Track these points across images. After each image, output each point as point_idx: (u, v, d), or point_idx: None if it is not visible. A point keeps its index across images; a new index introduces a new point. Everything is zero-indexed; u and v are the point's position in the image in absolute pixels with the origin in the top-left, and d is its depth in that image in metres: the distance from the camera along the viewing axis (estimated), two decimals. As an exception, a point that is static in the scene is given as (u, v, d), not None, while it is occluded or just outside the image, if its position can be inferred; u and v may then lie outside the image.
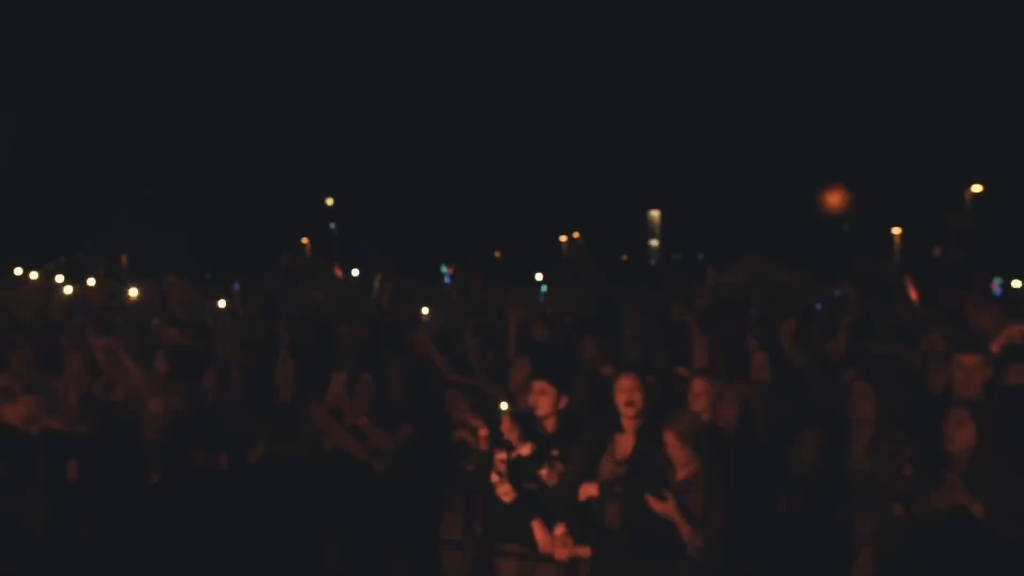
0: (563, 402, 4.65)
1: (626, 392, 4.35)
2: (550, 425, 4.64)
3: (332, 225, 42.00)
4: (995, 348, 4.92)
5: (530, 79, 40.04)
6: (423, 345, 6.02)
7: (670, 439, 4.17)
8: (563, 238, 40.27)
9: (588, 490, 4.39)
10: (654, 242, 44.36)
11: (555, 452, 4.55)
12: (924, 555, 3.77)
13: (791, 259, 28.52)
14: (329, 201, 41.58)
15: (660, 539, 4.09)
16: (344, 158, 39.16)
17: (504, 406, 4.65)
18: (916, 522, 3.90)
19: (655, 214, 44.01)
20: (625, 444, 4.38)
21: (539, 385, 4.68)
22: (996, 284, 11.16)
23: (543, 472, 4.54)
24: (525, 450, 4.61)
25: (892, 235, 31.98)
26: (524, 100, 40.21)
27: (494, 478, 4.58)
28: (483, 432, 4.82)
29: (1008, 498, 3.86)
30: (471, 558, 4.76)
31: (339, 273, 12.86)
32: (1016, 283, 11.14)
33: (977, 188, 29.84)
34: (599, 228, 40.35)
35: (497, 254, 40.78)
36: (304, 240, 39.72)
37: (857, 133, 33.81)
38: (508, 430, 4.58)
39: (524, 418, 4.67)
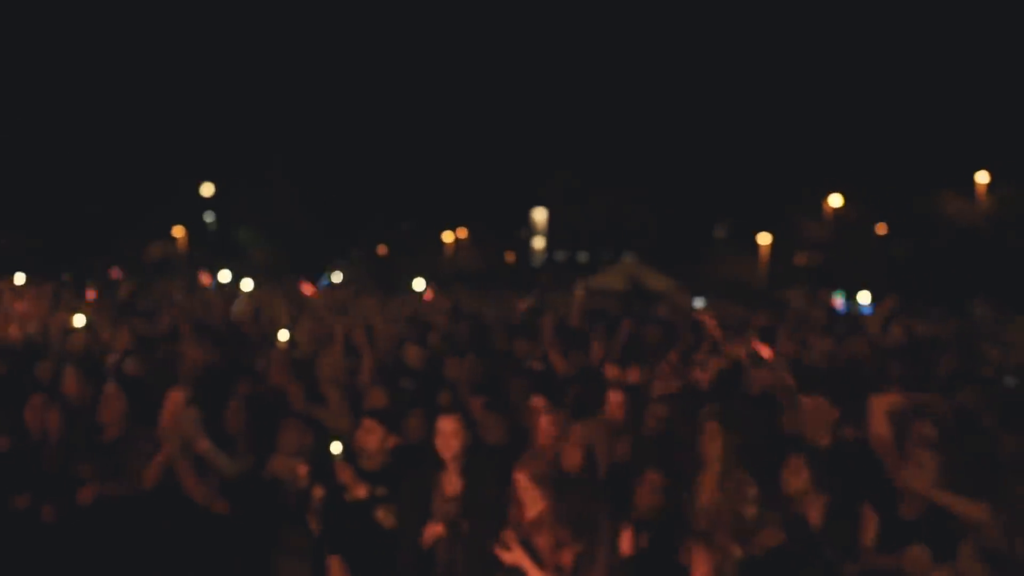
0: (391, 441, 4.58)
1: (445, 436, 4.33)
2: (374, 464, 4.56)
3: (209, 216, 40.35)
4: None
5: (413, 76, 39.63)
6: (277, 371, 5.75)
7: (521, 479, 4.14)
8: (448, 236, 40.07)
9: (434, 529, 4.30)
10: (538, 241, 44.80)
11: (379, 491, 4.48)
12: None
13: (666, 262, 29.55)
14: (206, 189, 39.81)
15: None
16: (223, 141, 37.44)
17: (336, 448, 4.51)
18: (750, 561, 4.00)
19: (539, 212, 44.42)
20: (453, 482, 4.34)
21: (367, 423, 4.63)
22: (840, 300, 11.58)
23: (380, 514, 4.45)
24: (360, 492, 4.51)
25: (758, 243, 33.45)
26: (407, 95, 39.72)
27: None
28: (302, 470, 4.66)
29: (836, 537, 4.05)
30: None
31: (206, 280, 12.19)
32: (864, 297, 11.64)
33: (836, 198, 31.63)
34: (484, 226, 40.44)
35: (382, 250, 40.21)
36: (177, 231, 38.00)
37: (731, 140, 35.19)
38: (341, 471, 4.49)
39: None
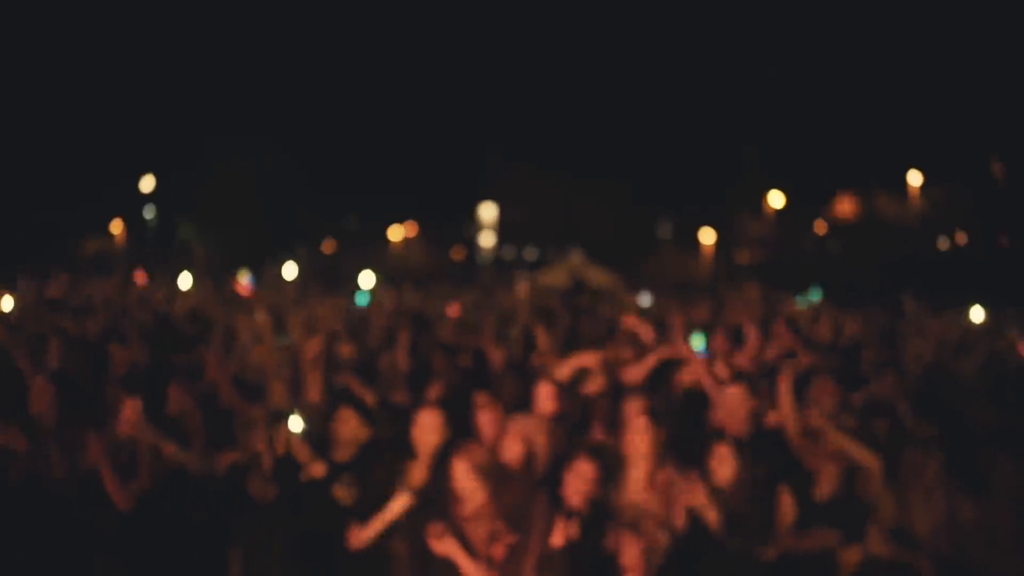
0: (364, 432, 4.66)
1: (422, 429, 4.41)
2: (345, 454, 4.63)
3: (148, 211, 39.46)
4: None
5: (362, 71, 39.25)
6: (214, 368, 5.69)
7: (459, 471, 4.20)
8: (394, 231, 39.87)
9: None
10: (486, 237, 44.85)
11: (348, 478, 4.53)
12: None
13: (612, 259, 29.90)
14: (146, 183, 38.90)
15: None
16: (163, 133, 36.50)
17: (294, 425, 4.53)
18: (674, 550, 4.14)
19: (487, 209, 44.48)
20: (419, 474, 4.40)
21: (343, 413, 4.71)
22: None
23: (338, 491, 4.49)
24: (318, 470, 4.54)
25: (700, 243, 34.10)
26: (355, 90, 39.34)
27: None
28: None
29: (762, 525, 4.20)
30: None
31: (141, 279, 11.94)
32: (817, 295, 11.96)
33: (777, 198, 32.40)
34: (433, 222, 40.35)
35: (329, 247, 39.81)
36: (115, 226, 37.07)
37: (676, 139, 35.71)
38: (297, 448, 4.54)
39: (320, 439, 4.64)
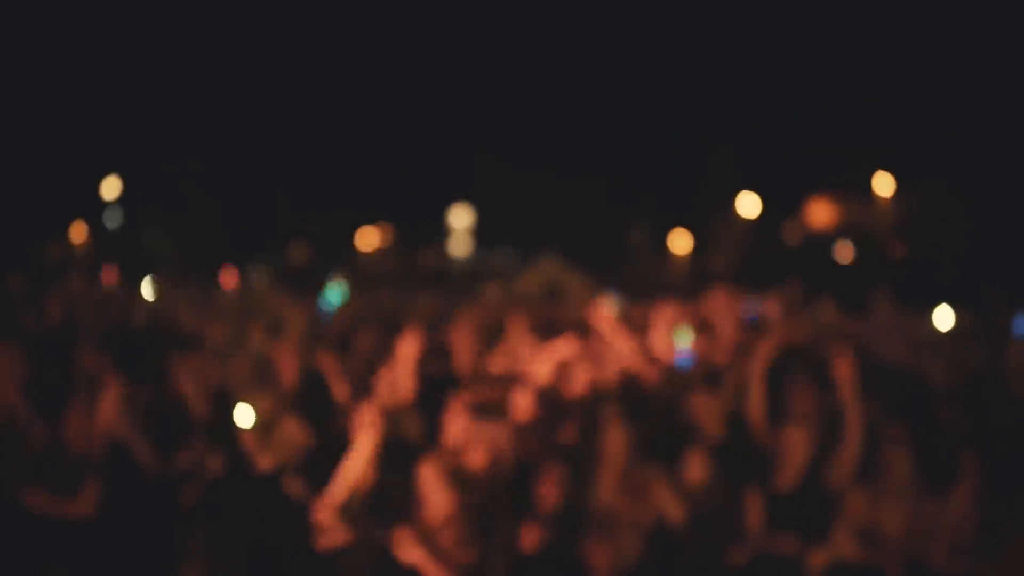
0: (311, 438, 4.64)
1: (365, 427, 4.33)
2: (296, 458, 4.66)
3: (112, 216, 38.88)
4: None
5: (331, 75, 39.01)
6: (176, 378, 5.57)
7: (427, 475, 4.14)
8: (366, 232, 39.71)
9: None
10: (459, 239, 44.82)
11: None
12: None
13: (586, 262, 30.02)
14: (110, 188, 38.33)
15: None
16: (128, 136, 35.91)
17: (242, 416, 4.48)
18: (645, 553, 4.12)
19: (460, 211, 44.46)
20: (365, 475, 4.34)
21: (285, 419, 4.72)
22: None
23: (289, 484, 4.53)
24: (265, 462, 4.62)
25: (673, 246, 34.41)
26: (324, 93, 39.11)
27: None
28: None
29: (731, 526, 4.21)
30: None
31: (105, 280, 11.73)
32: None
33: (750, 202, 32.80)
34: (403, 226, 40.25)
35: (300, 249, 39.55)
36: (77, 230, 36.45)
37: (642, 142, 35.99)
38: (245, 440, 4.61)
39: None
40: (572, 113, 37.84)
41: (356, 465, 4.32)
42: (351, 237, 39.61)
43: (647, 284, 23.55)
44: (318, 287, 14.37)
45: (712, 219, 33.10)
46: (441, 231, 44.20)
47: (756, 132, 32.82)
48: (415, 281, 26.16)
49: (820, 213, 32.73)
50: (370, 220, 40.06)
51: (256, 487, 4.58)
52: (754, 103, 33.57)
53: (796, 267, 28.78)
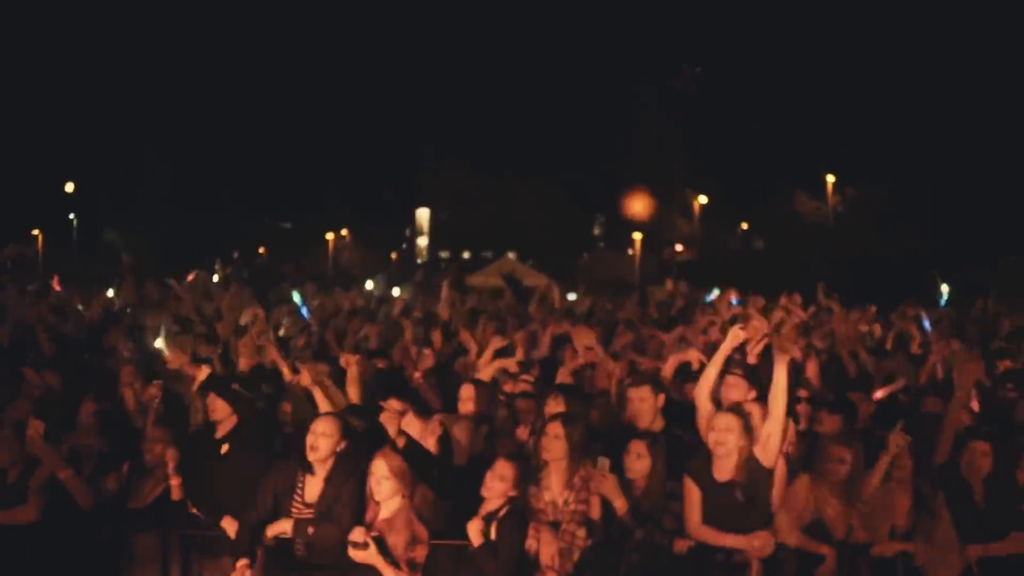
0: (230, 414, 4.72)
1: (314, 435, 4.31)
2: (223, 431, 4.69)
3: (72, 215, 38.17)
4: (665, 372, 5.47)
5: (295, 73, 38.69)
6: (124, 385, 5.56)
7: (377, 471, 4.20)
8: (330, 236, 39.44)
9: (282, 526, 4.30)
10: (422, 240, 44.80)
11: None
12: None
13: (546, 259, 30.18)
14: (69, 187, 37.59)
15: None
16: (88, 136, 35.19)
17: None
18: (592, 546, 4.22)
19: (423, 212, 44.43)
20: (314, 487, 4.33)
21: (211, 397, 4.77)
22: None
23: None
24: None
25: (634, 239, 34.70)
26: (288, 93, 38.77)
27: None
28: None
29: (672, 516, 4.32)
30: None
31: (56, 285, 11.59)
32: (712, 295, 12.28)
33: (703, 199, 33.29)
34: (367, 225, 40.02)
35: (262, 250, 39.15)
36: (36, 232, 35.74)
37: (607, 144, 36.28)
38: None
39: None
40: (530, 113, 38.02)
41: None
42: (316, 238, 39.31)
43: (605, 280, 23.80)
44: (279, 291, 14.32)
45: (667, 215, 33.47)
46: (406, 232, 44.11)
47: (710, 131, 33.26)
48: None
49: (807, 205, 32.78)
50: (335, 224, 39.79)
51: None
52: (710, 100, 34.03)
53: (747, 261, 29.27)
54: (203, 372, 4.63)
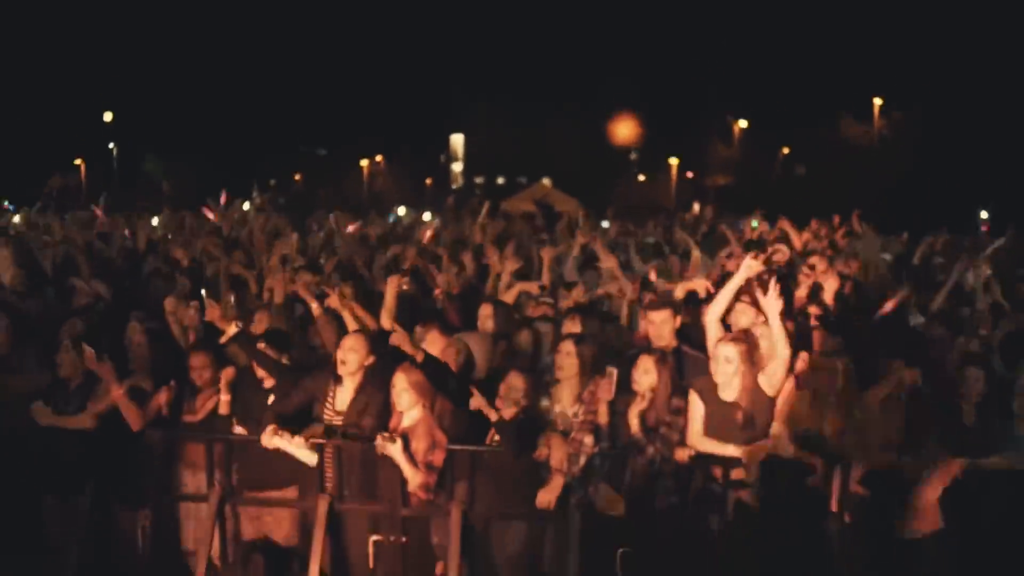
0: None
1: (343, 350, 4.67)
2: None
3: (111, 144, 38.74)
4: (678, 295, 5.66)
5: (327, 5, 38.16)
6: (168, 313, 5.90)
7: (398, 383, 4.52)
8: (364, 162, 39.58)
9: (314, 431, 4.65)
10: (457, 166, 44.71)
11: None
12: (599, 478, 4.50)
13: (581, 186, 30.05)
14: (108, 116, 38.06)
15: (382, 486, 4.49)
16: (126, 65, 35.36)
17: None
18: (600, 453, 4.52)
19: (457, 138, 44.21)
20: (344, 397, 4.70)
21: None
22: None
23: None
24: (229, 328, 4.91)
25: (670, 164, 34.26)
26: (324, 19, 38.37)
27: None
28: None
29: (676, 429, 4.58)
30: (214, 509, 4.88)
31: (99, 213, 11.98)
32: (753, 223, 12.26)
33: (743, 123, 32.59)
34: (401, 151, 40.01)
35: (297, 177, 39.48)
36: (78, 161, 36.42)
37: (644, 66, 35.49)
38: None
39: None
40: (563, 41, 37.22)
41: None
42: (351, 165, 39.48)
43: (640, 206, 23.69)
44: (315, 218, 14.65)
45: (707, 141, 32.89)
46: (441, 158, 43.97)
47: (751, 54, 32.31)
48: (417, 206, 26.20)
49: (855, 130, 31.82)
50: (370, 150, 39.83)
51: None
52: (749, 29, 32.98)
53: (788, 186, 28.80)
54: (232, 329, 4.87)
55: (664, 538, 4.34)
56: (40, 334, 5.41)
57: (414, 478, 4.42)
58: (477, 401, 4.64)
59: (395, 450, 4.40)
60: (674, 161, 33.73)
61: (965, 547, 4.31)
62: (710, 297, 5.42)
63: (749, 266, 4.76)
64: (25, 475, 4.96)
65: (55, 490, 4.90)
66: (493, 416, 4.61)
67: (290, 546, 4.85)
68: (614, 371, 4.49)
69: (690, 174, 34.31)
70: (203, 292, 5.49)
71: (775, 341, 4.38)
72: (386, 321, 5.43)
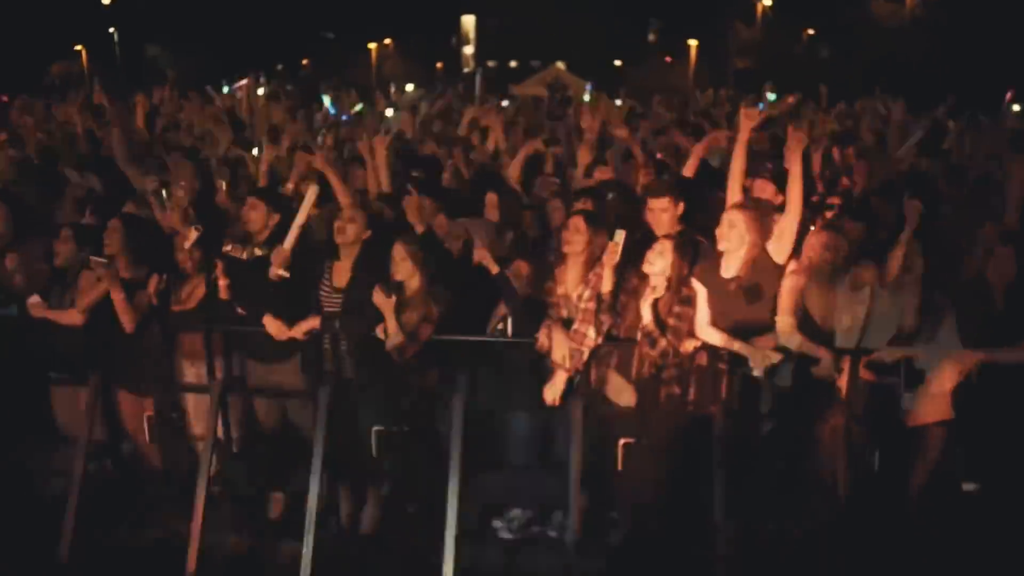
0: (274, 218, 4.80)
1: (341, 219, 4.61)
2: (261, 238, 4.81)
3: (112, 29, 37.68)
4: (687, 172, 5.44)
5: None
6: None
7: (397, 252, 4.45)
8: (372, 45, 38.41)
9: (311, 323, 4.58)
10: (468, 49, 43.35)
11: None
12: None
13: (597, 70, 29.07)
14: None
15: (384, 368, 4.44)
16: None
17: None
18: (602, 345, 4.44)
19: (468, 20, 42.66)
20: (342, 272, 4.62)
21: (250, 200, 4.83)
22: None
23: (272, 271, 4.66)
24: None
25: (689, 46, 32.99)
26: None
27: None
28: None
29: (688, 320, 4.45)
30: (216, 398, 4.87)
31: (101, 99, 11.62)
32: (770, 95, 11.84)
33: (767, 2, 31.13)
34: (411, 34, 38.77)
35: (305, 62, 38.47)
36: (79, 47, 35.54)
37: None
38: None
39: None
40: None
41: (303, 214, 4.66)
42: (359, 49, 38.33)
43: (658, 89, 22.92)
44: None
45: (728, 21, 31.51)
46: (452, 41, 42.56)
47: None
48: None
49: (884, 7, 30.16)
50: (378, 34, 38.58)
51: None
52: None
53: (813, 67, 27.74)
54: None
55: (667, 429, 4.29)
56: (42, 223, 5.29)
57: (395, 337, 4.36)
58: (480, 254, 4.52)
59: (387, 306, 4.33)
60: (693, 43, 32.48)
61: (974, 439, 4.22)
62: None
63: (747, 115, 4.60)
64: (33, 363, 4.95)
65: (62, 378, 4.89)
66: (494, 269, 4.53)
67: (295, 433, 4.86)
68: (623, 233, 4.29)
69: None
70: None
71: (790, 198, 4.23)
72: (383, 180, 5.31)
